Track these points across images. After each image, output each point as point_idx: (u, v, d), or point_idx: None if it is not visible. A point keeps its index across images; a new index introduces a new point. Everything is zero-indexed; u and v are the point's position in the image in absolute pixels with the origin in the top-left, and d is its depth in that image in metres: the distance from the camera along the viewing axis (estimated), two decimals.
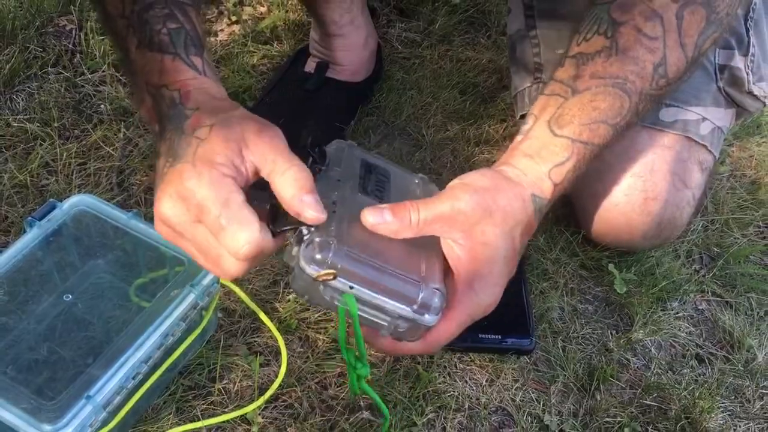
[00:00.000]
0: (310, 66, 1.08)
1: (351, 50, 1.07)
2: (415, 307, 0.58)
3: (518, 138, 0.70)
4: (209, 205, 0.55)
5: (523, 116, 0.96)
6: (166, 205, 0.57)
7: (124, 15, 0.66)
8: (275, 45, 1.19)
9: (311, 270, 0.55)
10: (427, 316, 0.59)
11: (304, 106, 1.04)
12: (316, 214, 0.55)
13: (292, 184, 0.56)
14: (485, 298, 0.63)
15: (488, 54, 1.23)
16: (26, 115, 1.02)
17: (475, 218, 0.61)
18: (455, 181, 0.64)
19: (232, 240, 0.55)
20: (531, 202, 0.66)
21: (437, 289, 0.59)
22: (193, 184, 0.56)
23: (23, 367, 0.75)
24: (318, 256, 0.55)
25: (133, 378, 0.69)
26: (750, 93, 0.93)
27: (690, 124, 0.91)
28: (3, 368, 0.73)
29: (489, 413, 0.82)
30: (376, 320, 0.59)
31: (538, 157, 0.67)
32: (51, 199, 0.80)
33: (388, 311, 0.58)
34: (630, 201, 0.90)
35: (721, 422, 0.85)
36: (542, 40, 0.98)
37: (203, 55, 0.65)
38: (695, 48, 0.72)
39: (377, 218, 0.59)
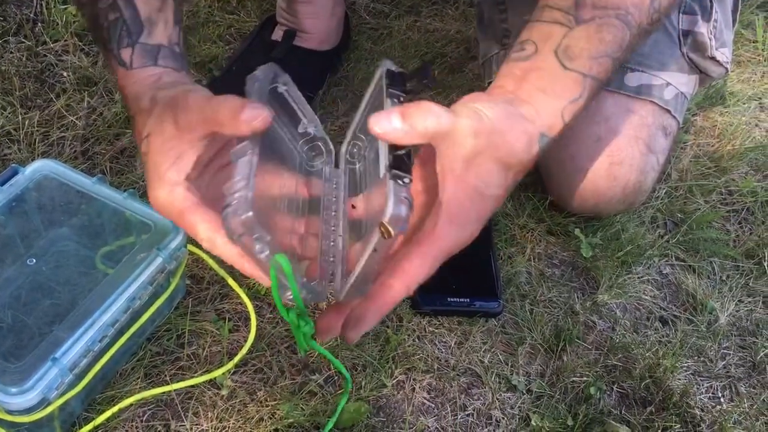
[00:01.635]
0: (278, 34, 1.07)
1: (318, 18, 1.06)
2: None
3: (519, 64, 0.64)
4: (174, 219, 0.56)
5: (491, 83, 0.97)
6: (154, 206, 0.58)
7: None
8: (242, 14, 1.18)
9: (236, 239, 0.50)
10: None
11: None
12: (259, 119, 0.51)
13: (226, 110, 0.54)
14: (464, 234, 0.58)
15: (456, 25, 1.23)
16: None
17: (479, 149, 0.56)
18: (468, 103, 0.58)
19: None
20: (537, 142, 0.61)
21: None
22: (157, 201, 0.56)
23: None
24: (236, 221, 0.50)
25: (100, 341, 0.69)
26: (713, 58, 0.95)
27: (654, 89, 0.92)
28: None
29: (458, 374, 0.82)
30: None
31: (552, 93, 0.62)
32: (13, 164, 0.78)
33: None
34: (595, 166, 0.91)
35: (685, 381, 0.86)
36: (509, 6, 0.98)
37: (137, 41, 0.63)
38: None
39: (385, 125, 0.51)
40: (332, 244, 0.61)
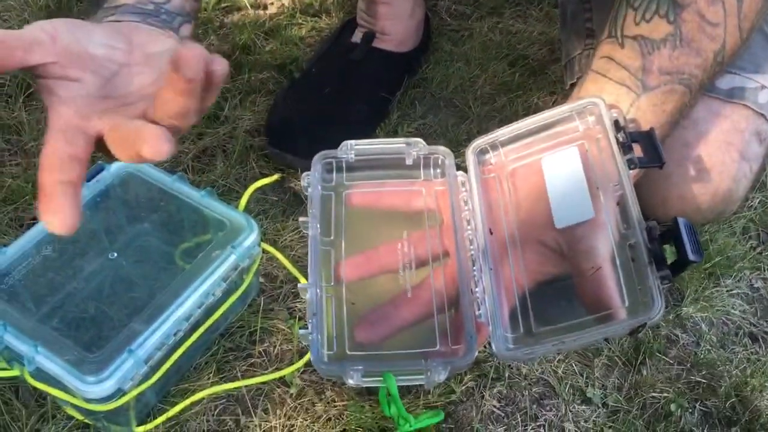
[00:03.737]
0: (357, 36, 1.07)
1: (397, 19, 1.06)
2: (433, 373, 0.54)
3: None
4: None
5: (573, 84, 0.94)
6: None
7: None
8: (323, 17, 1.19)
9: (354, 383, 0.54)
10: (461, 361, 0.55)
11: (349, 76, 1.03)
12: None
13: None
14: None
15: (539, 26, 1.21)
16: None
17: None
18: None
19: None
20: None
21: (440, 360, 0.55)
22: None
23: (71, 323, 0.77)
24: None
25: (174, 335, 0.70)
26: None
27: (748, 92, 0.87)
28: (51, 322, 0.75)
29: (530, 384, 0.80)
30: (414, 383, 0.56)
31: None
32: (99, 161, 0.81)
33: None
34: (683, 173, 0.87)
35: None
36: (595, 5, 0.95)
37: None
38: (751, 29, 0.70)
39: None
40: (476, 279, 0.58)
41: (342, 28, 1.11)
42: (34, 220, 0.88)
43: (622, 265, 0.54)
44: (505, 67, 1.13)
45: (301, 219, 0.61)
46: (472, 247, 0.59)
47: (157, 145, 0.42)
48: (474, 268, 0.58)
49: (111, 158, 0.47)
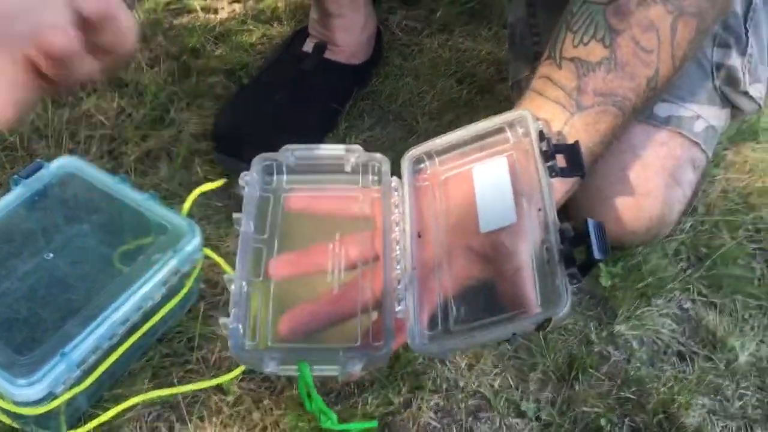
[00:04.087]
0: (308, 46, 1.08)
1: (349, 31, 1.07)
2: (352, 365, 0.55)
3: None
4: None
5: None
6: None
7: None
8: (275, 25, 1.19)
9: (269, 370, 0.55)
10: (377, 353, 0.56)
11: (299, 85, 1.04)
12: None
13: None
14: None
15: (488, 46, 1.23)
16: None
17: None
18: None
19: None
20: None
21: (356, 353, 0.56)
22: None
23: (2, 324, 0.75)
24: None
25: (110, 339, 0.69)
26: (746, 93, 0.93)
27: (684, 121, 0.91)
28: None
29: (466, 396, 0.81)
30: (328, 374, 0.57)
31: None
32: (38, 159, 0.79)
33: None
34: (621, 196, 0.90)
35: (699, 419, 0.84)
36: (543, 29, 0.98)
37: None
38: (684, 59, 0.74)
39: None
40: (399, 278, 0.60)
41: (293, 36, 1.11)
42: None
43: (539, 268, 0.57)
44: (453, 84, 1.15)
45: (234, 215, 0.61)
46: (398, 248, 0.61)
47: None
48: (398, 267, 0.59)
49: None
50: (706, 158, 0.94)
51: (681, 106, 0.91)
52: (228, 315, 0.56)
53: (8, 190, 0.78)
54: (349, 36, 1.07)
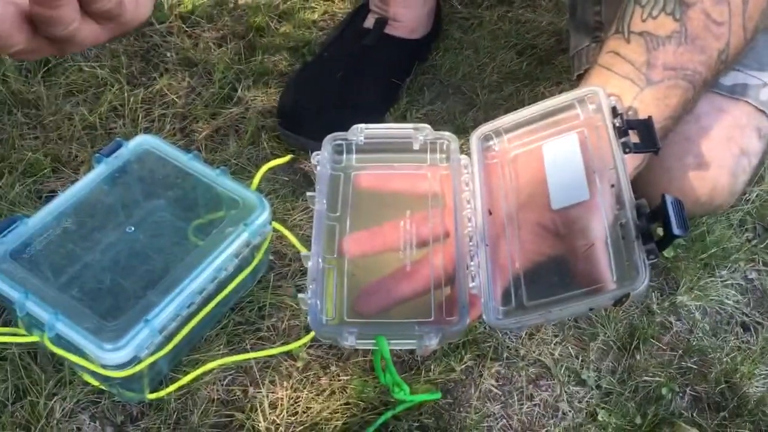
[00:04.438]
0: (369, 22, 1.09)
1: (409, 6, 1.08)
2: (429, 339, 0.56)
3: None
4: None
5: (579, 76, 0.96)
6: None
7: None
8: (337, 2, 1.21)
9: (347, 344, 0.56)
10: (452, 327, 0.57)
11: (361, 61, 1.06)
12: None
13: None
14: None
15: (548, 16, 1.22)
16: (97, 61, 1.07)
17: None
18: None
19: None
20: None
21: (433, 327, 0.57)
22: None
23: (89, 293, 0.80)
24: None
25: (188, 307, 0.73)
26: None
27: (750, 89, 0.89)
28: (70, 292, 0.78)
29: (527, 364, 0.83)
30: (405, 348, 0.59)
31: None
32: (117, 138, 0.84)
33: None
34: (683, 166, 0.89)
35: (762, 389, 0.84)
36: None
37: None
38: (755, 30, 0.72)
39: None
40: (471, 255, 0.61)
41: (355, 13, 1.13)
42: (53, 192, 0.91)
43: (613, 244, 0.57)
44: (513, 56, 1.15)
45: (308, 193, 0.63)
46: (470, 225, 0.62)
47: None
48: (471, 244, 0.61)
49: None
50: None
51: (747, 74, 0.89)
52: (305, 291, 0.58)
53: (91, 167, 0.83)
54: (409, 11, 1.08)
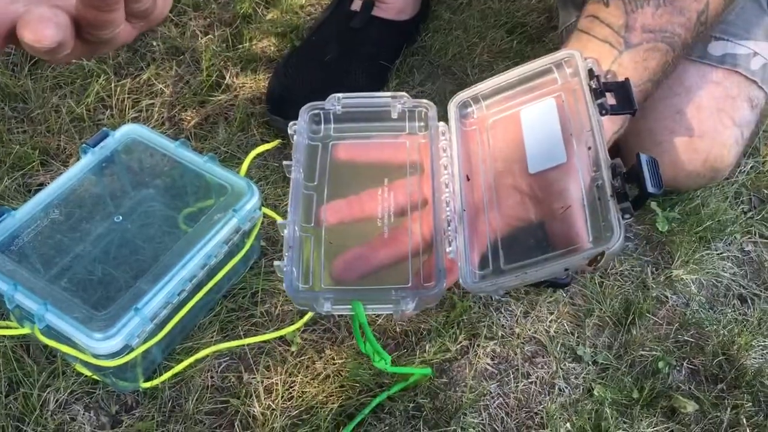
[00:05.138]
0: (356, 4, 1.08)
1: None
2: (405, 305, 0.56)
3: None
4: None
5: None
6: None
7: None
8: None
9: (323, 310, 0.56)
10: (429, 292, 0.57)
11: (349, 44, 1.05)
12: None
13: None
14: None
15: None
16: None
17: None
18: None
19: None
20: None
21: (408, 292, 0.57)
22: None
23: (79, 283, 0.80)
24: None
25: (179, 294, 0.73)
26: None
27: (740, 59, 0.88)
28: (59, 283, 0.77)
29: (522, 342, 0.83)
30: (382, 313, 0.58)
31: None
32: (104, 128, 0.83)
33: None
34: (674, 139, 0.89)
35: (760, 360, 0.84)
36: None
37: None
38: None
39: None
40: (449, 220, 0.61)
41: None
42: (41, 185, 0.91)
43: (590, 205, 0.57)
44: (503, 35, 1.14)
45: (285, 162, 0.63)
46: (447, 190, 0.62)
47: (38, 29, 0.38)
48: (448, 209, 0.60)
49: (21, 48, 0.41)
50: (765, 96, 0.92)
51: (736, 44, 0.88)
52: (282, 259, 0.58)
53: (78, 158, 0.82)
54: None
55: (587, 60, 0.63)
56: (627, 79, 0.63)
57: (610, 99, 0.61)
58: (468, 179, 0.64)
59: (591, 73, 0.62)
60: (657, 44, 0.69)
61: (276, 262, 0.57)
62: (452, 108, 0.68)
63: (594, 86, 0.61)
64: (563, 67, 0.65)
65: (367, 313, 0.56)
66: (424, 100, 0.68)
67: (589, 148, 0.59)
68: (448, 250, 0.58)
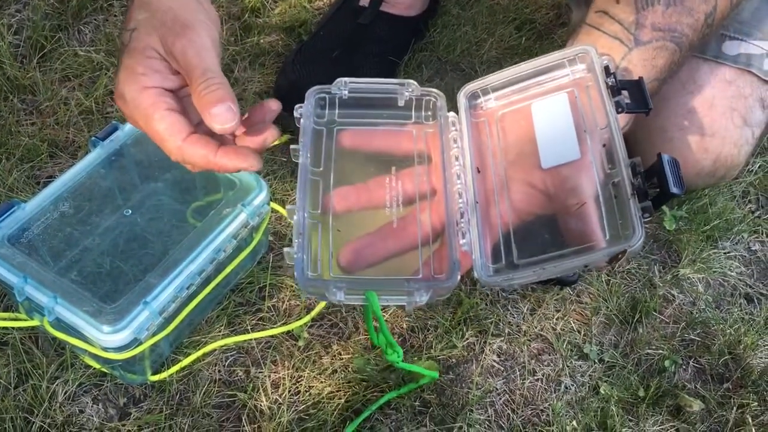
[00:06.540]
0: (365, 0, 1.08)
1: None
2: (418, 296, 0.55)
3: None
4: (137, 120, 0.57)
5: None
6: (118, 101, 0.58)
7: None
8: None
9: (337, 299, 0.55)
10: (443, 284, 0.56)
11: (357, 39, 1.04)
12: (225, 125, 0.53)
13: (201, 99, 0.54)
14: None
15: None
16: (93, 45, 1.06)
17: None
18: None
19: (163, 149, 0.57)
20: None
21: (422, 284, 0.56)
22: (123, 99, 0.56)
23: (88, 276, 0.80)
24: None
25: (187, 288, 0.73)
26: None
27: (753, 59, 0.88)
28: (69, 275, 0.78)
29: (528, 339, 0.83)
30: (395, 304, 0.58)
31: None
32: (114, 121, 0.83)
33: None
34: (686, 137, 0.89)
35: (767, 359, 0.84)
36: None
37: None
38: None
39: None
40: (461, 212, 0.60)
41: None
42: (50, 177, 0.91)
43: (605, 202, 0.57)
44: (512, 31, 1.14)
45: (292, 147, 0.62)
46: (459, 182, 0.61)
47: (223, 114, 0.52)
48: (460, 201, 0.60)
49: None
50: None
51: (750, 43, 0.88)
52: (291, 245, 0.57)
53: (87, 151, 0.82)
54: None
55: (602, 57, 0.63)
56: (641, 78, 0.63)
57: (624, 97, 0.61)
58: (479, 171, 0.63)
59: (607, 70, 0.62)
60: (666, 43, 0.69)
61: (285, 249, 0.56)
62: (462, 99, 0.68)
63: (610, 83, 0.61)
64: (576, 62, 0.65)
65: (381, 304, 0.55)
66: (434, 89, 0.67)
67: (604, 146, 0.59)
68: (462, 242, 0.58)
